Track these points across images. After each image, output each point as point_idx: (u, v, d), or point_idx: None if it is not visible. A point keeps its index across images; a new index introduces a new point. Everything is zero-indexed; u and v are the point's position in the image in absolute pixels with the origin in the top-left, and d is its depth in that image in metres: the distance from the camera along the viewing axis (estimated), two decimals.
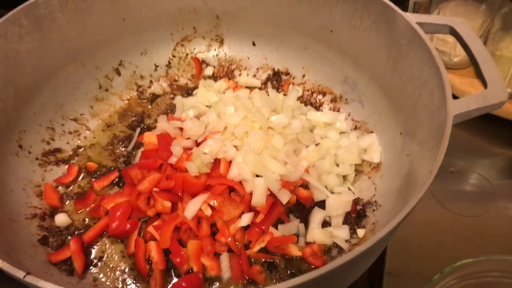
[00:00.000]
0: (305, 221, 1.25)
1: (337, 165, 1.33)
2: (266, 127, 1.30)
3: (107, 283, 1.15)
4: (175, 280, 1.15)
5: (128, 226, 1.21)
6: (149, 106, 1.56)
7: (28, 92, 1.32)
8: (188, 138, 1.34)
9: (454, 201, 1.38)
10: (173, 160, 1.26)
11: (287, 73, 1.60)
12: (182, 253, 1.15)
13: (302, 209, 1.27)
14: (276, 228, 1.21)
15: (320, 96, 1.54)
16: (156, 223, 1.21)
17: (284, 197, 1.20)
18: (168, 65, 1.63)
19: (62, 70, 1.41)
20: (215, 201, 1.19)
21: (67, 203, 1.31)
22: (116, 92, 1.56)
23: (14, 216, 1.19)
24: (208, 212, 1.19)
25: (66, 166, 1.38)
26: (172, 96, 1.58)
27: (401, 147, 1.24)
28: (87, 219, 1.28)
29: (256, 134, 1.27)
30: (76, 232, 1.25)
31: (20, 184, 1.27)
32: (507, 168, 1.48)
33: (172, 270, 1.17)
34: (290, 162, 1.24)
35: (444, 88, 1.02)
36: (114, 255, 1.21)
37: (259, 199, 1.18)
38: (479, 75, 1.09)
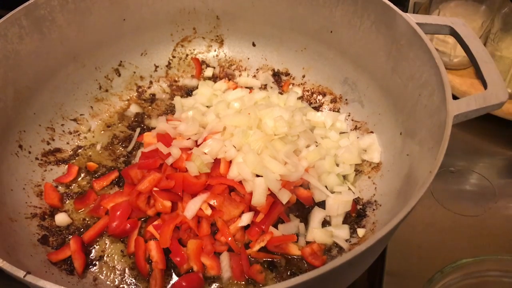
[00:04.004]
0: (305, 221, 1.25)
1: (337, 165, 1.33)
2: (265, 128, 1.30)
3: (107, 282, 1.16)
4: (175, 279, 1.15)
5: (128, 225, 1.21)
6: (149, 107, 1.56)
7: (28, 92, 1.32)
8: (188, 138, 1.34)
9: (454, 201, 1.38)
10: (169, 161, 1.26)
11: (287, 74, 1.60)
12: (182, 252, 1.15)
13: (302, 208, 1.28)
14: (276, 227, 1.21)
15: (320, 97, 1.54)
16: (156, 222, 1.21)
17: (284, 197, 1.20)
18: (168, 66, 1.63)
19: (62, 70, 1.41)
20: (215, 201, 1.19)
21: (67, 202, 1.31)
22: (116, 92, 1.56)
23: (14, 215, 1.19)
24: (208, 211, 1.19)
25: (66, 166, 1.38)
26: (172, 96, 1.58)
27: (401, 147, 1.24)
28: (87, 219, 1.28)
29: (256, 134, 1.28)
30: (76, 232, 1.25)
31: (20, 184, 1.27)
32: (507, 168, 1.48)
33: (172, 270, 1.17)
34: (290, 162, 1.24)
35: (444, 88, 1.02)
36: (114, 255, 1.21)
37: (259, 198, 1.18)
38: (479, 75, 1.09)
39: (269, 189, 1.20)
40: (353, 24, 1.35)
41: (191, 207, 1.19)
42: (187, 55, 1.64)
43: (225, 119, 1.33)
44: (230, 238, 1.17)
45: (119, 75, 1.56)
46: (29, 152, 1.33)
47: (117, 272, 1.18)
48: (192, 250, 1.15)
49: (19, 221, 1.19)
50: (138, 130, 1.47)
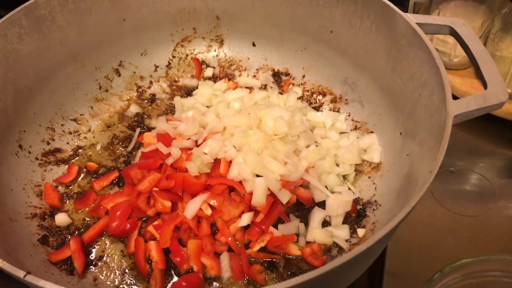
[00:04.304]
0: (305, 221, 1.25)
1: (337, 165, 1.33)
2: (265, 128, 1.30)
3: (107, 282, 1.16)
4: (175, 279, 1.15)
5: (128, 225, 1.21)
6: (149, 107, 1.56)
7: (28, 92, 1.32)
8: (188, 138, 1.34)
9: (454, 201, 1.38)
10: (169, 161, 1.26)
11: (287, 74, 1.60)
12: (182, 252, 1.15)
13: (302, 208, 1.28)
14: (276, 227, 1.21)
15: (320, 97, 1.54)
16: (156, 222, 1.21)
17: (284, 197, 1.20)
18: (168, 66, 1.63)
19: (62, 70, 1.41)
20: (215, 201, 1.19)
21: (67, 202, 1.31)
22: (116, 92, 1.56)
23: (14, 215, 1.19)
24: (208, 211, 1.19)
25: (66, 166, 1.38)
26: (172, 96, 1.58)
27: (401, 147, 1.24)
28: (87, 219, 1.28)
29: (256, 134, 1.28)
30: (76, 232, 1.25)
31: (20, 184, 1.27)
32: (507, 168, 1.48)
33: (172, 270, 1.17)
34: (290, 162, 1.24)
35: (444, 88, 1.02)
36: (114, 255, 1.21)
37: (259, 198, 1.18)
38: (479, 75, 1.09)
39: (269, 189, 1.20)
40: (353, 24, 1.35)
41: (191, 207, 1.19)
42: (187, 55, 1.64)
43: (225, 119, 1.33)
44: (230, 238, 1.17)
45: (119, 75, 1.56)
46: (29, 152, 1.33)
47: (117, 272, 1.18)
48: (192, 250, 1.15)
49: (19, 221, 1.19)
50: (138, 130, 1.47)
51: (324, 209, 1.25)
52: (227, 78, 1.62)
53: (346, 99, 1.49)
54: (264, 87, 1.59)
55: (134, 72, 1.59)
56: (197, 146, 1.31)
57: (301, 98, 1.55)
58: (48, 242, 1.21)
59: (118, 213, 1.22)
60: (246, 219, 1.18)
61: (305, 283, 0.75)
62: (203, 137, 1.32)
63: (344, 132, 1.43)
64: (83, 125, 1.47)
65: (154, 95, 1.59)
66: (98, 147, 1.44)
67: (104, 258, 1.20)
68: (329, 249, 1.20)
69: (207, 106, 1.49)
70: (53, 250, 1.19)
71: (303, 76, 1.58)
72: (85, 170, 1.38)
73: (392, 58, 1.26)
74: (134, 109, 1.54)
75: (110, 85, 1.55)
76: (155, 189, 1.22)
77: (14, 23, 1.24)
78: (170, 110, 1.54)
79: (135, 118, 1.52)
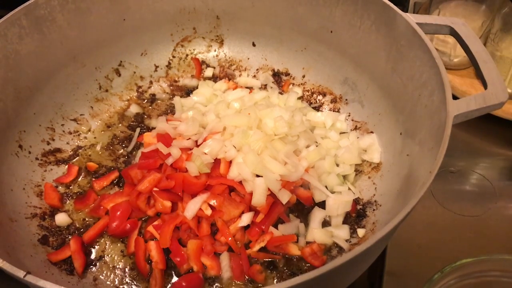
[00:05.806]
0: (305, 221, 1.25)
1: (337, 165, 1.33)
2: (265, 128, 1.30)
3: (107, 282, 1.16)
4: (175, 279, 1.15)
5: (128, 225, 1.21)
6: (149, 107, 1.56)
7: (28, 92, 1.32)
8: (188, 139, 1.34)
9: (454, 201, 1.38)
10: (169, 161, 1.26)
11: (287, 74, 1.60)
12: (182, 252, 1.15)
13: (302, 209, 1.27)
14: (276, 227, 1.21)
15: (320, 97, 1.54)
16: (156, 222, 1.21)
17: (284, 197, 1.20)
18: (168, 66, 1.63)
19: (62, 71, 1.41)
20: (215, 201, 1.19)
21: (67, 202, 1.31)
22: (116, 92, 1.56)
23: (14, 215, 1.19)
24: (208, 211, 1.19)
25: (66, 166, 1.38)
26: (172, 96, 1.58)
27: (401, 148, 1.24)
28: (87, 219, 1.28)
29: (256, 134, 1.28)
30: (76, 232, 1.25)
31: (20, 184, 1.27)
32: (507, 168, 1.48)
33: (172, 270, 1.17)
34: (290, 162, 1.24)
35: (444, 88, 1.02)
36: (114, 255, 1.21)
37: (259, 199, 1.18)
38: (479, 75, 1.09)
39: (269, 189, 1.20)
40: (353, 24, 1.35)
41: (191, 207, 1.19)
42: (187, 55, 1.64)
43: (225, 119, 1.33)
44: (230, 238, 1.17)
45: (119, 75, 1.56)
46: (29, 152, 1.33)
47: (117, 272, 1.18)
48: (192, 250, 1.15)
49: (19, 221, 1.19)
50: (138, 130, 1.47)
51: (324, 209, 1.25)
52: (227, 78, 1.62)
53: (346, 99, 1.49)
54: (264, 87, 1.59)
55: (134, 72, 1.59)
56: (197, 146, 1.31)
57: (301, 98, 1.55)
58: (48, 242, 1.21)
59: (118, 213, 1.22)
60: (246, 219, 1.18)
61: (305, 283, 0.75)
62: (203, 137, 1.32)
63: (344, 132, 1.43)
64: (83, 125, 1.47)
65: (154, 95, 1.59)
66: (98, 147, 1.44)
67: (104, 258, 1.20)
68: (329, 249, 1.20)
69: (207, 106, 1.49)
70: (53, 250, 1.19)
71: (303, 76, 1.58)
72: (85, 170, 1.38)
73: (392, 58, 1.26)
74: (134, 109, 1.54)
75: (110, 85, 1.55)
76: (155, 189, 1.22)
77: (14, 23, 1.24)
78: (170, 110, 1.54)
79: (135, 118, 1.52)
